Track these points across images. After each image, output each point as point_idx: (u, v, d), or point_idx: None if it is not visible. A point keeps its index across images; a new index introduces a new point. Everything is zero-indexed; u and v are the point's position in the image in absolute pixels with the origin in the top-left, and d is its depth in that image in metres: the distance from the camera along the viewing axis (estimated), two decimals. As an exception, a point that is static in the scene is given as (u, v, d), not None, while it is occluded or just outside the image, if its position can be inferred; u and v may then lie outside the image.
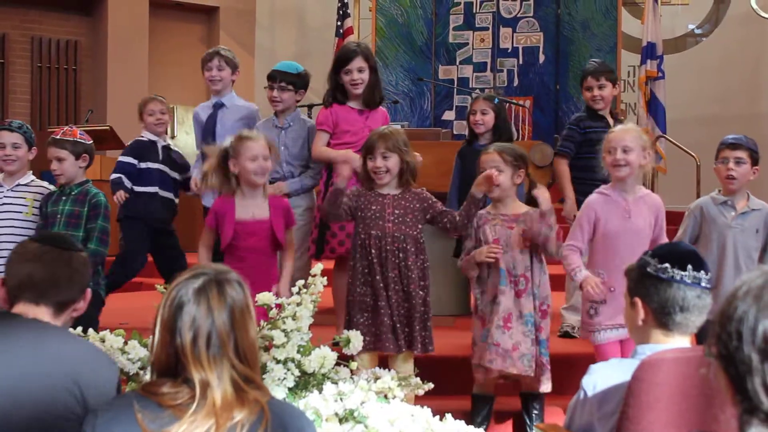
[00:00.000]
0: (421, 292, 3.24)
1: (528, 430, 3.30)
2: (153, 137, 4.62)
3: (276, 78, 4.16)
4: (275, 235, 3.30)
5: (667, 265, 1.95)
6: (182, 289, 1.58)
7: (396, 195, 3.31)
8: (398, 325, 3.21)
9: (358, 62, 3.93)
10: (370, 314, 3.24)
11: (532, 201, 3.29)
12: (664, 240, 3.21)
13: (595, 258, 3.26)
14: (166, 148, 4.65)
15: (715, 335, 1.20)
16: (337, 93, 4.01)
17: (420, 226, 3.31)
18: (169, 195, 4.59)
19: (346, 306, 3.33)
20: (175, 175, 4.63)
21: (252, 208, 3.32)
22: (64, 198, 3.76)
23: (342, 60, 4.00)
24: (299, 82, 4.19)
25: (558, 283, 4.79)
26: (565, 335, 4.20)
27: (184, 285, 1.59)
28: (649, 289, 1.96)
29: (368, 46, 4.10)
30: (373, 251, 3.24)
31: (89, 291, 1.97)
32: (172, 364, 1.56)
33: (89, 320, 3.39)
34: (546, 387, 3.25)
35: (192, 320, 1.55)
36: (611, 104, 4.34)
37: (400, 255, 3.24)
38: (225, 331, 1.56)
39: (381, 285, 3.22)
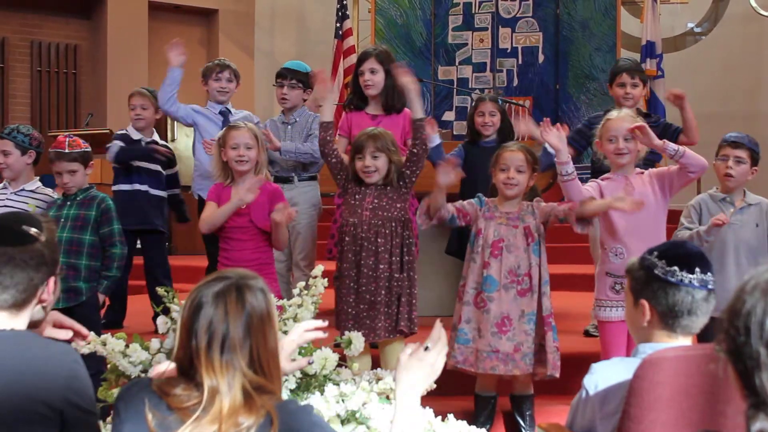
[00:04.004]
0: (401, 274, 3.29)
1: (523, 431, 3.30)
2: (137, 134, 4.64)
3: (287, 76, 4.31)
4: (262, 217, 3.38)
5: (675, 268, 1.93)
6: (203, 291, 1.58)
7: (379, 186, 3.36)
8: (372, 312, 3.26)
9: (370, 63, 3.98)
10: (353, 299, 3.30)
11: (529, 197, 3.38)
12: (674, 171, 3.25)
13: (610, 236, 3.27)
14: (150, 145, 4.64)
15: (723, 330, 1.20)
16: (355, 97, 4.10)
17: (399, 205, 3.36)
18: (156, 192, 4.59)
19: (335, 289, 3.39)
20: (157, 167, 4.61)
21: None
22: (69, 203, 3.73)
23: (357, 61, 4.11)
24: (308, 81, 4.32)
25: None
26: (586, 334, 4.17)
27: (206, 287, 1.59)
28: (657, 292, 1.94)
29: (388, 51, 4.11)
30: (347, 238, 3.34)
31: (51, 280, 1.83)
32: (187, 366, 1.57)
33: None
34: (556, 372, 3.22)
35: (209, 323, 1.55)
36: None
37: (379, 241, 3.28)
38: (239, 338, 1.55)
39: (354, 273, 3.29)
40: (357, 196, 3.36)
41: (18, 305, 1.79)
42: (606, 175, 3.35)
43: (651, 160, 3.83)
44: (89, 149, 3.84)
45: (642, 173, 3.31)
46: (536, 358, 3.21)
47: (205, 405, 1.51)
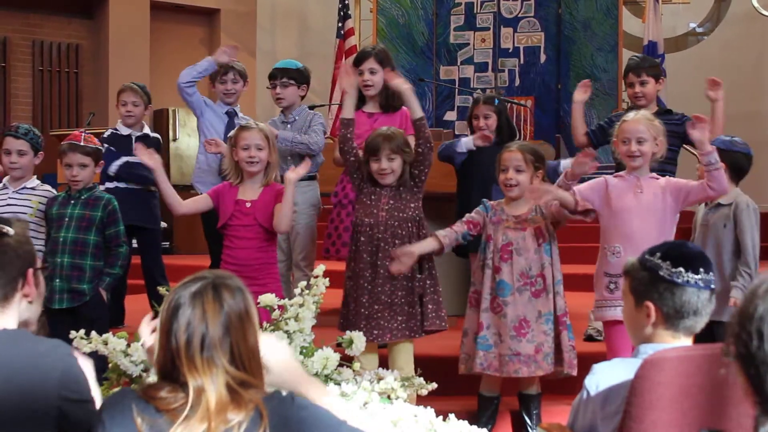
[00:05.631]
0: (421, 275, 3.28)
1: (529, 430, 3.29)
2: (126, 130, 4.65)
3: (277, 76, 4.30)
4: (266, 216, 3.38)
5: (681, 269, 1.93)
6: (180, 292, 1.59)
7: (393, 186, 3.35)
8: (387, 313, 3.24)
9: (370, 63, 3.96)
10: (366, 300, 3.27)
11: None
12: (693, 185, 3.21)
13: (611, 234, 3.26)
14: (142, 138, 4.60)
15: (734, 335, 1.17)
16: None
17: (413, 205, 3.34)
18: (140, 186, 4.58)
19: (343, 288, 3.37)
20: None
21: (249, 193, 3.43)
22: (72, 202, 3.75)
23: (356, 60, 4.07)
24: (300, 77, 4.33)
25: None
26: (589, 339, 4.09)
27: (183, 288, 1.60)
28: (663, 293, 1.94)
29: (386, 50, 4.09)
30: (362, 238, 3.31)
31: (30, 272, 1.84)
32: (169, 367, 1.57)
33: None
34: (573, 371, 3.21)
35: (187, 323, 1.55)
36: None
37: (396, 242, 3.27)
38: (218, 336, 1.55)
39: (369, 273, 3.26)
40: (372, 197, 3.35)
41: (0, 300, 1.79)
42: (619, 173, 3.34)
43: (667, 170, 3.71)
44: (102, 149, 3.90)
45: (657, 179, 3.28)
46: (554, 357, 3.21)
47: (193, 404, 1.51)
